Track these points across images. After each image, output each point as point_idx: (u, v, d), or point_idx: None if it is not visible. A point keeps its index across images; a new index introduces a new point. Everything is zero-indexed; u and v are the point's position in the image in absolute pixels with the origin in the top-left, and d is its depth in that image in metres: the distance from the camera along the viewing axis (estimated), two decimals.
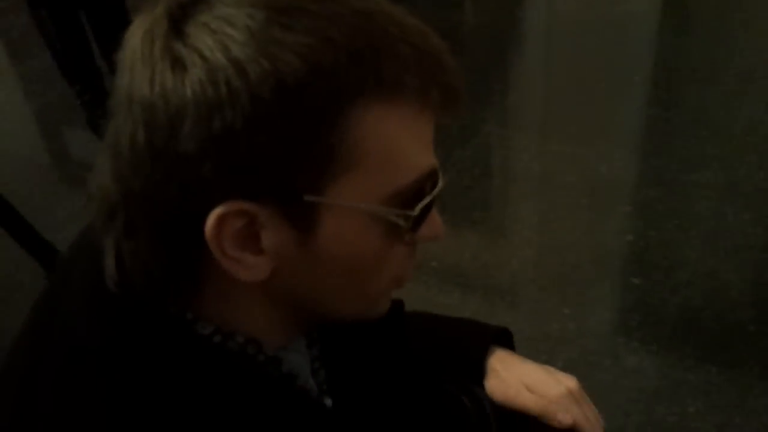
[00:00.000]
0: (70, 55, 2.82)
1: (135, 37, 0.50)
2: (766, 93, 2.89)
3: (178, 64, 0.47)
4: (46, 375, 0.55)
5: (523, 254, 2.28)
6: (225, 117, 0.46)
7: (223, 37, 0.47)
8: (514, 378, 0.81)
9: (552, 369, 0.83)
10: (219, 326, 0.56)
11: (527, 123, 2.96)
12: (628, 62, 3.19)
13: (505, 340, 0.89)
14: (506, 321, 2.05)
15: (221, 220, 0.49)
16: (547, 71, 3.28)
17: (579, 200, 2.44)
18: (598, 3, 3.66)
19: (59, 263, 0.64)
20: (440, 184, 0.56)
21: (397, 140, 0.51)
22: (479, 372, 0.83)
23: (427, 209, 0.55)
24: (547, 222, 2.41)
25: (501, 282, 2.18)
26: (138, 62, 0.48)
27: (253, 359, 0.58)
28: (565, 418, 0.78)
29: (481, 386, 0.84)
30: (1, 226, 1.92)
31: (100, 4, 2.75)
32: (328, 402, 0.68)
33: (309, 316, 0.60)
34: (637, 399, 1.78)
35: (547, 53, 3.44)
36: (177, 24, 0.48)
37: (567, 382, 0.81)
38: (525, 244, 2.32)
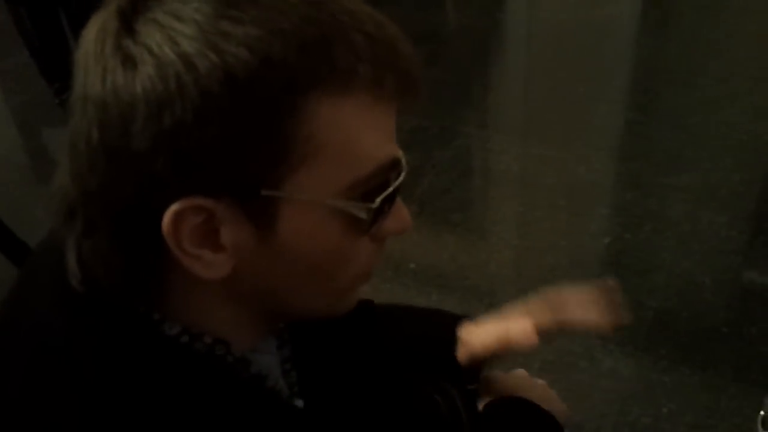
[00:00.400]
0: (48, 54, 2.80)
1: (89, 35, 0.49)
2: (743, 97, 2.92)
3: (128, 62, 0.47)
4: (13, 373, 0.55)
5: (502, 256, 2.29)
6: (175, 112, 0.45)
7: (171, 32, 0.46)
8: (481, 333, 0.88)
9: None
10: (186, 327, 0.55)
11: (507, 125, 2.98)
12: (607, 65, 3.22)
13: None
14: None
15: (178, 217, 0.48)
16: (527, 74, 3.30)
17: (557, 202, 2.46)
18: (578, 6, 3.68)
19: (27, 261, 0.64)
20: (402, 175, 0.55)
21: (353, 130, 0.50)
22: (452, 366, 0.85)
23: (388, 201, 0.54)
24: (526, 224, 2.42)
25: (479, 283, 2.19)
26: (91, 61, 0.48)
27: (222, 360, 0.57)
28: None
29: (453, 382, 0.85)
30: None
31: (78, 2, 2.73)
32: (300, 403, 0.67)
33: (275, 314, 0.60)
34: (612, 400, 1.80)
35: (528, 56, 3.46)
36: (127, 21, 0.48)
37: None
38: (503, 246, 2.33)
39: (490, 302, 2.12)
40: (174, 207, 0.48)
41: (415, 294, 2.13)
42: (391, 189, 0.54)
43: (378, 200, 0.53)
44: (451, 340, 0.86)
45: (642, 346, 1.92)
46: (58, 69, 2.85)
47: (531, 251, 2.30)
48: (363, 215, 0.53)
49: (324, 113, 0.48)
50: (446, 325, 0.88)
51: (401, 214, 0.58)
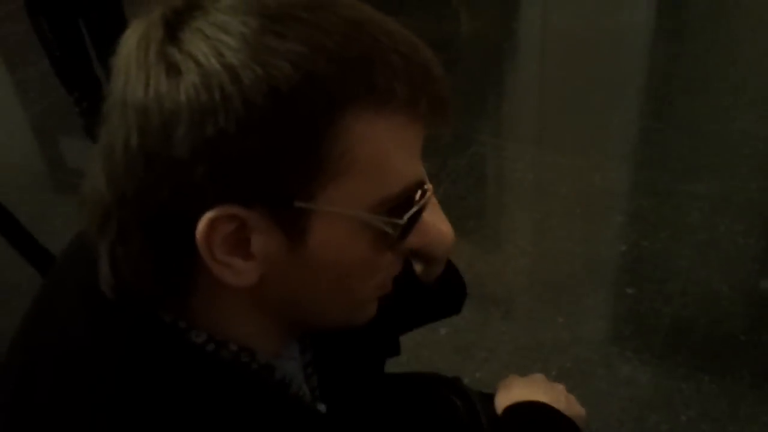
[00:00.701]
0: (68, 63, 2.84)
1: (130, 41, 0.50)
2: (759, 105, 2.92)
3: (172, 69, 0.47)
4: (42, 378, 0.56)
5: (518, 263, 2.30)
6: (218, 122, 0.46)
7: (217, 43, 0.47)
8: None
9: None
10: (212, 334, 0.56)
11: (522, 133, 2.98)
12: (621, 73, 3.21)
13: None
14: (501, 330, 2.07)
15: (212, 224, 0.49)
16: (541, 82, 3.30)
17: (573, 210, 2.46)
18: (592, 14, 3.68)
19: (54, 267, 0.65)
20: (428, 194, 0.57)
21: (387, 148, 0.52)
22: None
23: (415, 218, 0.56)
24: (541, 231, 2.42)
25: (495, 291, 2.19)
26: (133, 66, 0.49)
27: (247, 367, 0.58)
28: None
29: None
30: (0, 233, 1.92)
31: (99, 12, 2.77)
32: (322, 407, 0.68)
33: (297, 323, 0.61)
34: (630, 408, 1.79)
35: (542, 64, 3.46)
36: (172, 30, 0.49)
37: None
38: (519, 254, 2.33)
39: (506, 309, 2.13)
40: (209, 214, 0.49)
41: None
42: (417, 207, 0.56)
43: (406, 217, 0.55)
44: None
45: (659, 354, 1.92)
46: (77, 78, 2.90)
47: (547, 259, 2.30)
48: (390, 230, 0.54)
49: (360, 130, 0.50)
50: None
51: (425, 229, 0.60)
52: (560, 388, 0.89)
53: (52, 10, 2.71)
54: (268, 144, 0.48)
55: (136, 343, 0.54)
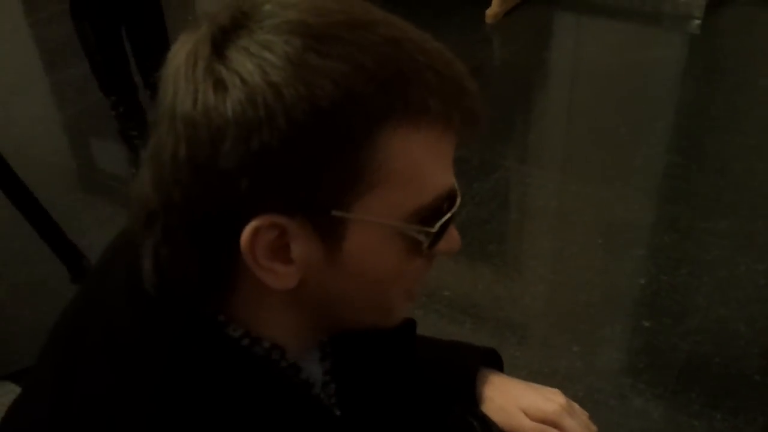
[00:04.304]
0: (108, 68, 2.91)
1: (179, 56, 0.53)
2: None
3: (219, 85, 0.50)
4: (84, 369, 0.59)
5: (536, 290, 2.31)
6: (263, 137, 0.49)
7: (262, 61, 0.50)
8: (510, 404, 0.85)
9: (538, 386, 0.88)
10: (248, 330, 0.59)
11: (547, 161, 3.00)
12: (650, 107, 3.22)
13: (493, 359, 0.91)
14: (515, 355, 2.08)
15: (256, 232, 0.52)
16: (569, 112, 3.32)
17: (594, 240, 2.47)
18: (624, 48, 3.70)
19: (98, 262, 0.68)
20: (458, 201, 0.60)
21: (421, 160, 0.55)
22: (471, 398, 0.86)
23: (445, 226, 0.58)
24: (562, 259, 2.44)
25: (512, 315, 2.20)
26: (182, 80, 0.52)
27: (276, 364, 0.61)
28: None
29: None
30: (35, 229, 1.97)
31: (141, 20, 2.84)
32: (337, 413, 0.71)
33: (330, 323, 0.64)
34: None
35: (571, 94, 3.48)
36: (219, 47, 0.51)
37: (556, 398, 0.85)
38: (538, 280, 2.35)
39: (522, 335, 2.14)
40: (253, 223, 0.52)
41: (447, 322, 2.16)
42: (448, 215, 0.58)
43: (437, 225, 0.57)
44: (473, 374, 0.87)
45: (673, 389, 1.92)
46: (115, 83, 2.96)
47: (565, 287, 2.31)
48: (422, 238, 0.57)
49: (396, 144, 0.52)
50: (468, 360, 0.89)
51: (452, 236, 0.62)
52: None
53: (97, 15, 2.79)
54: (309, 158, 0.50)
55: (178, 334, 0.56)
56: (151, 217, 0.56)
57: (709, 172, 2.76)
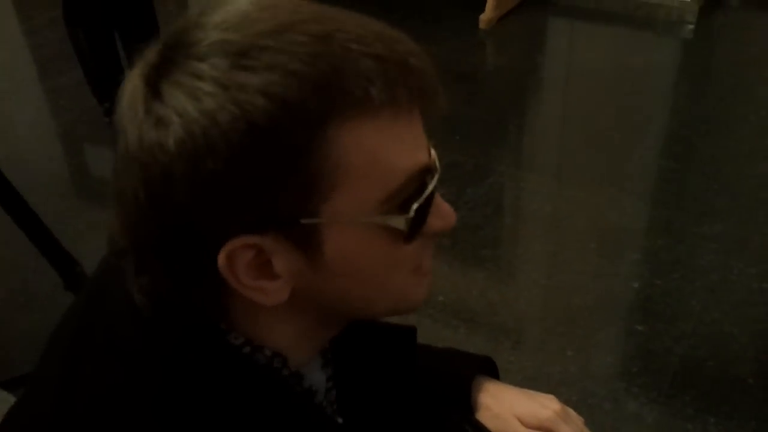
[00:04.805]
0: (102, 74, 2.91)
1: (123, 100, 0.53)
2: None
3: (160, 123, 0.50)
4: (86, 375, 0.59)
5: (530, 294, 2.31)
6: (207, 165, 0.49)
7: (194, 91, 0.49)
8: (506, 411, 0.84)
9: (533, 393, 0.87)
10: (249, 339, 0.59)
11: (541, 166, 3.00)
12: (643, 112, 3.24)
13: (488, 366, 0.91)
14: (510, 359, 2.08)
15: (231, 257, 0.52)
16: (563, 116, 3.33)
17: (588, 245, 2.47)
18: (617, 53, 3.71)
19: (95, 274, 0.68)
20: (437, 176, 0.57)
21: (377, 149, 0.52)
22: (466, 406, 0.86)
23: (425, 205, 0.56)
24: (555, 264, 2.44)
25: (506, 321, 2.21)
26: (128, 123, 0.52)
27: (278, 373, 0.61)
28: None
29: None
30: (28, 237, 1.96)
31: (134, 26, 2.84)
32: (339, 421, 0.71)
33: (341, 318, 0.64)
34: None
35: (565, 99, 3.49)
36: (153, 85, 0.51)
37: (550, 404, 0.85)
38: (532, 285, 2.35)
39: (516, 340, 2.14)
40: (226, 248, 0.52)
41: (441, 327, 2.16)
42: (425, 194, 0.56)
43: (413, 209, 0.55)
44: (468, 382, 0.86)
45: (666, 393, 1.93)
46: (109, 89, 2.95)
47: (559, 291, 2.31)
48: (401, 225, 0.55)
49: (345, 140, 0.51)
50: (464, 367, 0.88)
51: (441, 209, 0.60)
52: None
53: (90, 22, 2.79)
54: (259, 175, 0.50)
55: (180, 343, 0.57)
56: (123, 252, 0.56)
57: (703, 176, 2.77)
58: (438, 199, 0.59)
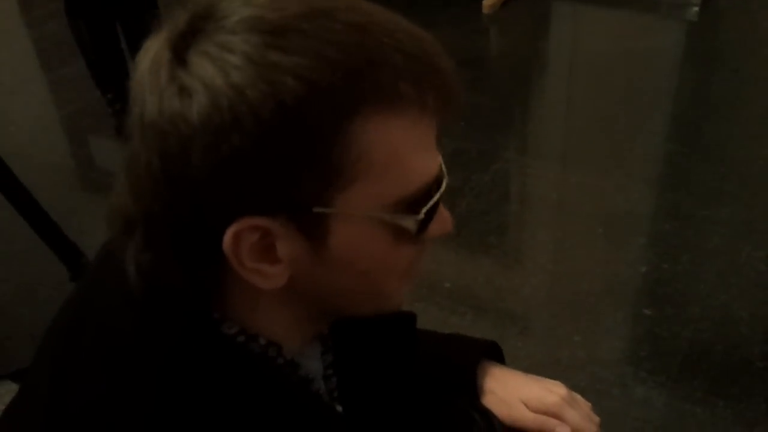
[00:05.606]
0: (104, 65, 2.90)
1: (143, 65, 0.52)
2: None
3: (183, 92, 0.49)
4: (79, 369, 0.58)
5: (537, 280, 2.31)
6: (232, 141, 0.48)
7: (222, 63, 0.48)
8: (511, 396, 0.84)
9: (539, 378, 0.87)
10: (244, 328, 0.58)
11: (547, 151, 2.99)
12: (649, 96, 3.22)
13: (493, 351, 0.91)
14: (517, 345, 2.08)
15: (237, 236, 0.51)
16: (568, 101, 3.31)
17: (595, 230, 2.46)
18: (622, 37, 3.69)
19: (92, 264, 0.67)
20: (444, 183, 0.58)
21: (400, 148, 0.53)
22: (472, 391, 0.86)
23: (433, 211, 0.57)
24: (562, 250, 2.43)
25: (513, 306, 2.20)
26: (147, 89, 0.51)
27: (273, 361, 0.61)
28: (563, 430, 0.81)
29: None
30: (33, 228, 1.97)
31: (136, 16, 2.83)
32: (339, 408, 0.71)
33: (327, 313, 0.63)
34: (643, 429, 1.80)
35: (569, 84, 3.47)
36: (179, 53, 0.50)
37: (557, 389, 0.85)
38: (539, 271, 2.35)
39: (523, 325, 2.14)
40: (233, 227, 0.51)
41: (448, 314, 2.16)
42: (434, 199, 0.57)
43: (423, 211, 0.56)
44: (473, 366, 0.86)
45: (675, 377, 1.92)
46: (112, 80, 2.96)
47: (566, 277, 2.31)
48: (410, 226, 0.56)
49: (370, 134, 0.51)
50: (469, 352, 0.88)
51: (443, 217, 0.61)
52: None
53: (91, 13, 2.78)
54: (282, 157, 0.49)
55: (173, 334, 0.56)
56: (130, 225, 0.55)
57: (709, 159, 2.76)
58: (440, 206, 0.60)
